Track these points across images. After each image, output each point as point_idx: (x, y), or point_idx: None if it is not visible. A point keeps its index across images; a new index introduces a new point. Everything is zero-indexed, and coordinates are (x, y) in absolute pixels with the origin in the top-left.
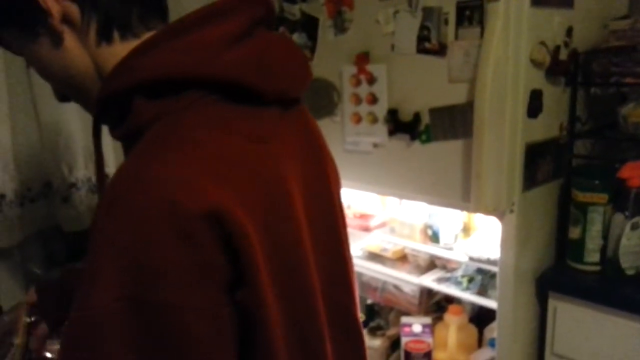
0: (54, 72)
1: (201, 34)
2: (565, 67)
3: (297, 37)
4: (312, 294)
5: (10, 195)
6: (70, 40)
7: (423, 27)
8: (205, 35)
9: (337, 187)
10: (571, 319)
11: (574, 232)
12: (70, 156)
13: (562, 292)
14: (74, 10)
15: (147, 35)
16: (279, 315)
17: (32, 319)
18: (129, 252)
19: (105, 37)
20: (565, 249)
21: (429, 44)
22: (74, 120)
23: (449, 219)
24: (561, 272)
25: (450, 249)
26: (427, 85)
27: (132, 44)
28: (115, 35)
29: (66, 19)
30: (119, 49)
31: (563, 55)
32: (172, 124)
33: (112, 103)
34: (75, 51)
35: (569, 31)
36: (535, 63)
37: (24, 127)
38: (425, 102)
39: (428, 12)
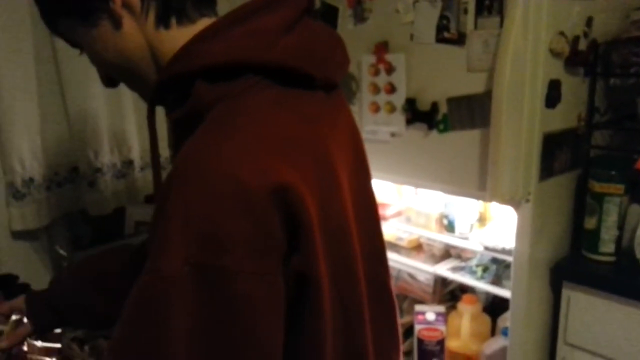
0: (110, 57)
1: (257, 23)
2: (585, 57)
3: None
4: (356, 265)
5: (38, 179)
6: (128, 25)
7: (442, 17)
8: (262, 24)
9: (370, 171)
10: (584, 308)
11: (590, 223)
12: (96, 142)
13: (576, 282)
14: None
15: (202, 21)
16: (328, 281)
17: (16, 317)
18: (198, 221)
19: (163, 22)
20: (580, 239)
21: (448, 33)
22: (101, 106)
23: (464, 209)
24: (576, 262)
25: (466, 238)
26: (446, 75)
27: (189, 29)
28: (173, 20)
29: (126, 4)
30: (176, 34)
31: (582, 45)
32: (234, 106)
33: (172, 86)
34: (133, 36)
35: (589, 21)
36: (554, 53)
37: (52, 113)
38: (444, 92)
39: (447, 1)
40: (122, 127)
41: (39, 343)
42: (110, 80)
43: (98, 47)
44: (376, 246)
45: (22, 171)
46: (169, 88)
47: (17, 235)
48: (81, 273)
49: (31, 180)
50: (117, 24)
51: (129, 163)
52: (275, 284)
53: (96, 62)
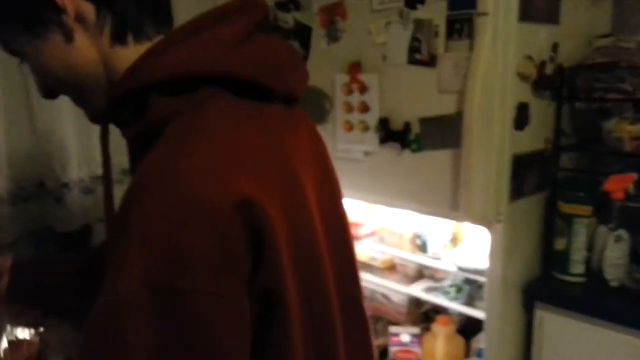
0: (56, 70)
1: (212, 34)
2: (551, 81)
3: None
4: (326, 281)
5: (3, 194)
6: (81, 39)
7: (414, 39)
8: (215, 35)
9: (339, 186)
10: (557, 329)
11: (560, 243)
12: (63, 156)
13: (548, 303)
14: (90, 9)
15: (159, 38)
16: (297, 298)
17: None
18: (156, 241)
19: (119, 38)
20: (551, 259)
21: (420, 55)
22: (68, 121)
23: (437, 229)
24: (547, 282)
25: (439, 258)
26: (418, 96)
27: (145, 46)
28: (129, 37)
29: (80, 18)
30: (133, 51)
31: (549, 70)
32: (192, 119)
33: (126, 102)
34: (85, 50)
35: (555, 47)
36: (522, 76)
37: (18, 127)
38: (416, 112)
39: (419, 24)
40: (90, 142)
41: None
42: (50, 91)
43: (43, 59)
44: (347, 262)
45: None
46: (123, 105)
47: None
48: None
49: None
50: (68, 37)
51: (97, 178)
52: (238, 304)
53: (38, 73)
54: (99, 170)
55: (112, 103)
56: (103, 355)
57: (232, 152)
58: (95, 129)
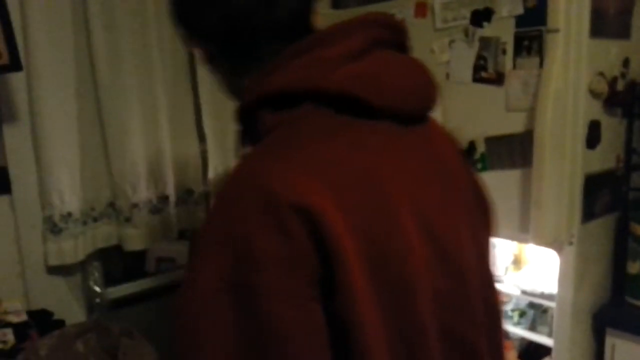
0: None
1: (320, 53)
2: (623, 98)
3: None
4: (419, 312)
5: (76, 213)
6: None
7: (479, 57)
8: (323, 54)
9: (472, 211)
10: (629, 356)
11: (633, 267)
12: (134, 177)
13: (620, 329)
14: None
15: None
16: (379, 321)
17: None
18: (232, 239)
19: (236, 74)
20: (623, 284)
21: (486, 73)
22: (139, 142)
23: (499, 251)
24: (619, 308)
25: (500, 281)
26: (483, 114)
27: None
28: (242, 72)
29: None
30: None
31: (620, 86)
32: (285, 132)
33: (247, 115)
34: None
35: (626, 62)
36: (594, 94)
37: (92, 149)
38: (481, 131)
39: (485, 42)
40: (159, 163)
41: None
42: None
43: (217, 79)
44: (464, 300)
45: (61, 206)
46: (246, 117)
47: (52, 270)
48: None
49: (69, 214)
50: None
51: (165, 199)
52: (306, 303)
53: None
54: (167, 191)
55: (237, 116)
56: (184, 343)
57: (308, 161)
58: (165, 151)
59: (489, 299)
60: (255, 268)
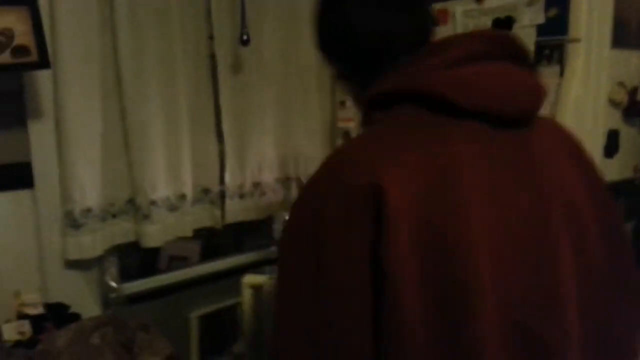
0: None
1: (425, 62)
2: None
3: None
4: (469, 297)
5: (95, 209)
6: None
7: None
8: (428, 62)
9: (577, 217)
10: None
11: None
12: (153, 175)
13: None
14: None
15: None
16: (414, 288)
17: None
18: (313, 202)
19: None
20: None
21: None
22: (159, 140)
23: None
24: None
25: None
26: None
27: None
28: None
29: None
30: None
31: (639, 96)
32: (380, 125)
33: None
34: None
35: None
36: (613, 103)
37: (113, 145)
38: None
39: None
40: (178, 161)
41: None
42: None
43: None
44: (544, 298)
45: (82, 201)
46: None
47: (70, 264)
48: None
49: (89, 210)
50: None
51: (182, 197)
52: (359, 258)
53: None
54: (184, 189)
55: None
56: (279, 276)
57: (382, 148)
58: (184, 150)
59: (597, 318)
60: (325, 227)
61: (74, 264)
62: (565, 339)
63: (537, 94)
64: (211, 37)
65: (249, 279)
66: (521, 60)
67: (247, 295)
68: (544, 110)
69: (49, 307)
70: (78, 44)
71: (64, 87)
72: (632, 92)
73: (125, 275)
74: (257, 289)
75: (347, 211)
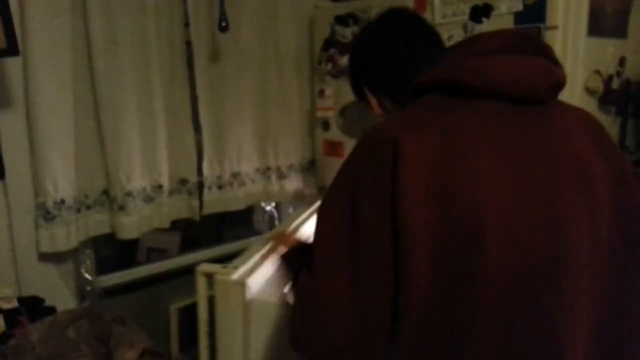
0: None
1: (447, 58)
2: (618, 96)
3: (348, 59)
4: (471, 257)
5: (69, 201)
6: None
7: None
8: (449, 58)
9: (580, 188)
10: None
11: None
12: (128, 166)
13: None
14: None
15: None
16: (425, 232)
17: None
18: (349, 166)
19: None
20: None
21: None
22: (134, 131)
23: None
24: None
25: None
26: None
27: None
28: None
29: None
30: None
31: (615, 84)
32: (409, 108)
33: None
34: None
35: (622, 61)
36: (589, 91)
37: (87, 137)
38: None
39: None
40: (154, 152)
41: None
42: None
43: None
44: (552, 270)
45: (54, 193)
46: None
47: (44, 257)
48: None
49: (62, 201)
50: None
51: (159, 187)
52: (383, 209)
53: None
54: (161, 180)
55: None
56: (316, 229)
57: (404, 120)
58: (160, 141)
59: (606, 286)
60: (357, 185)
61: (48, 257)
62: (567, 304)
63: (552, 77)
64: (187, 24)
65: (203, 267)
66: (541, 53)
67: (201, 284)
68: None
69: (22, 300)
70: (48, 30)
71: (35, 75)
72: (608, 80)
73: (104, 267)
74: (210, 277)
75: (374, 168)
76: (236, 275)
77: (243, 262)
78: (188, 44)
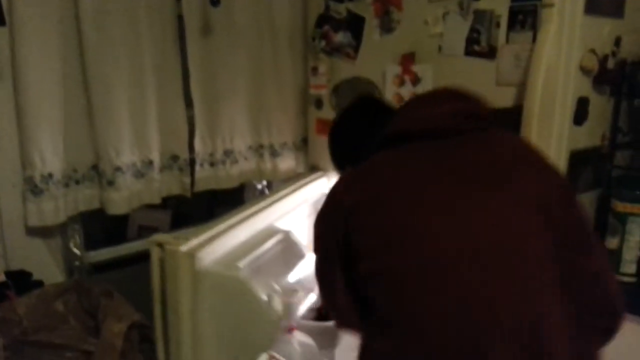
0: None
1: (397, 114)
2: (613, 76)
3: (342, 36)
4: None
5: (57, 175)
6: None
7: (473, 30)
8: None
9: (527, 202)
10: None
11: (612, 243)
12: (118, 140)
13: None
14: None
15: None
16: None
17: None
18: (319, 239)
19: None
20: None
21: (478, 46)
22: (124, 106)
23: None
24: None
25: None
26: (474, 88)
27: None
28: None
29: None
30: None
31: (610, 64)
32: (368, 161)
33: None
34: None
35: (618, 41)
36: (584, 70)
37: (76, 110)
38: None
39: (480, 14)
40: (144, 126)
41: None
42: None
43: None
44: (512, 283)
45: (42, 166)
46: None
47: (31, 231)
48: None
49: (50, 175)
50: None
51: (149, 163)
52: (335, 261)
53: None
54: (151, 155)
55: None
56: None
57: (352, 177)
58: (151, 115)
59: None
60: (318, 244)
61: (36, 231)
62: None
63: (472, 109)
64: None
65: (156, 237)
66: (465, 97)
67: (154, 253)
68: (516, 77)
69: (10, 274)
70: (36, 1)
71: (22, 47)
72: (603, 59)
73: (94, 244)
74: (162, 246)
75: (329, 225)
76: (186, 246)
77: (197, 234)
78: (180, 17)
